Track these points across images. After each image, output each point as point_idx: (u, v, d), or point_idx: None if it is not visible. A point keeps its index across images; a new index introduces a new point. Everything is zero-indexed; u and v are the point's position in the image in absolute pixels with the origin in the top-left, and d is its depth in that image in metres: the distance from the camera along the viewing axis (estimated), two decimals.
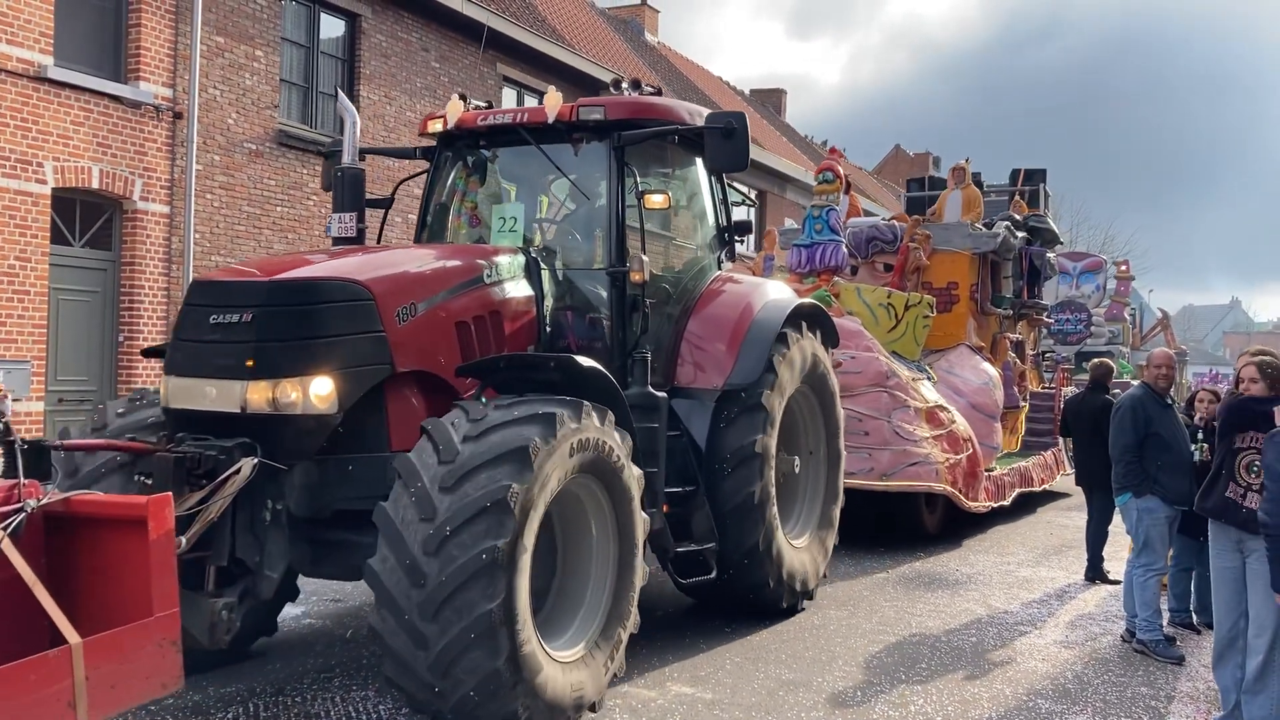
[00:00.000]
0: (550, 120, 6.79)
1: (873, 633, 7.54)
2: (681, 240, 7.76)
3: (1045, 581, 9.75)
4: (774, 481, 7.27)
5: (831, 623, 7.76)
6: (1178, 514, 7.23)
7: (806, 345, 7.72)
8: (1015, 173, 18.27)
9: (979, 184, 18.03)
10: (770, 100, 41.26)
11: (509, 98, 19.17)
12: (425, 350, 5.67)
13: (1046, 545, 11.92)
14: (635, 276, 6.48)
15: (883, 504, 11.04)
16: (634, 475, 5.54)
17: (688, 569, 6.86)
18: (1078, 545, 10.80)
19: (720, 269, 7.77)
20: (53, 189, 12.16)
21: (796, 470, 7.91)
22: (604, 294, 6.78)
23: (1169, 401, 7.64)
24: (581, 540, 5.56)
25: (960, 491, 10.88)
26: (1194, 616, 7.99)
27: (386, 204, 7.47)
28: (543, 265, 6.83)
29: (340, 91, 7.30)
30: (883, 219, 13.89)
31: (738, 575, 7.14)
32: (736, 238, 8.01)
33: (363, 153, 7.30)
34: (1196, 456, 7.30)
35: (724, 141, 6.49)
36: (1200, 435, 7.49)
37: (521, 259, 6.64)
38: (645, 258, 6.50)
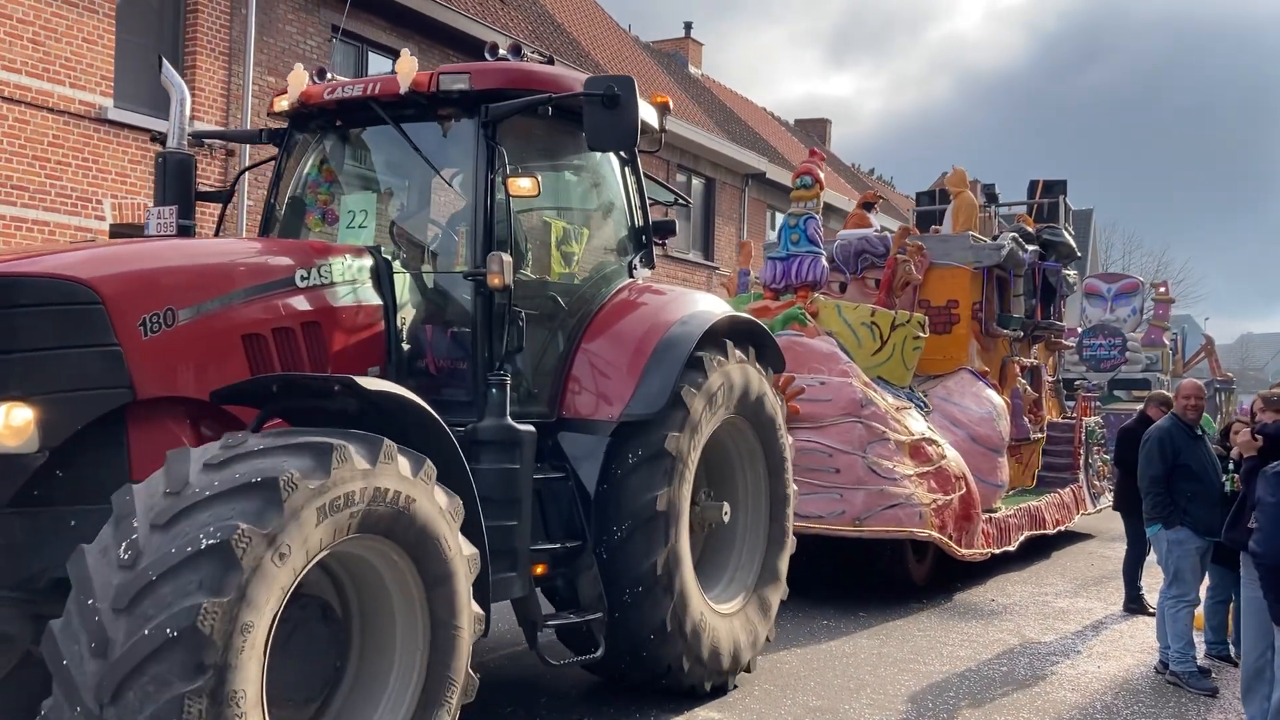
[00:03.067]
0: (403, 91, 5.56)
1: (903, 661, 7.47)
2: (581, 241, 6.49)
3: (1082, 612, 9.56)
4: (686, 542, 5.95)
5: (862, 651, 7.72)
6: (1209, 545, 7.14)
7: (736, 369, 6.38)
8: (1033, 184, 16.82)
9: (993, 197, 16.67)
10: (815, 130, 40.89)
11: None
12: (188, 370, 4.42)
13: (1085, 576, 11.55)
14: (494, 281, 5.21)
15: (862, 552, 9.66)
16: (444, 516, 4.23)
17: (568, 645, 5.55)
18: (1118, 576, 10.48)
19: (633, 276, 6.48)
20: (111, 225, 12.46)
21: (727, 518, 6.57)
22: (470, 303, 5.52)
23: (1199, 432, 7.53)
24: (381, 615, 4.26)
25: (950, 537, 9.46)
26: (1231, 649, 7.73)
27: (224, 198, 6.30)
28: (399, 269, 5.62)
29: (165, 61, 6.07)
30: (875, 231, 12.54)
31: (641, 660, 5.84)
32: (657, 240, 6.73)
33: (196, 136, 6.14)
34: (1228, 487, 7.11)
35: (605, 113, 5.22)
36: (1232, 466, 7.23)
37: (367, 261, 5.41)
38: (506, 257, 5.24)
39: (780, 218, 28.61)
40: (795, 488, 7.28)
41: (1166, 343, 27.25)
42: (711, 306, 6.55)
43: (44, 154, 11.95)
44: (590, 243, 6.49)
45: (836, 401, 9.14)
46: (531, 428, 5.23)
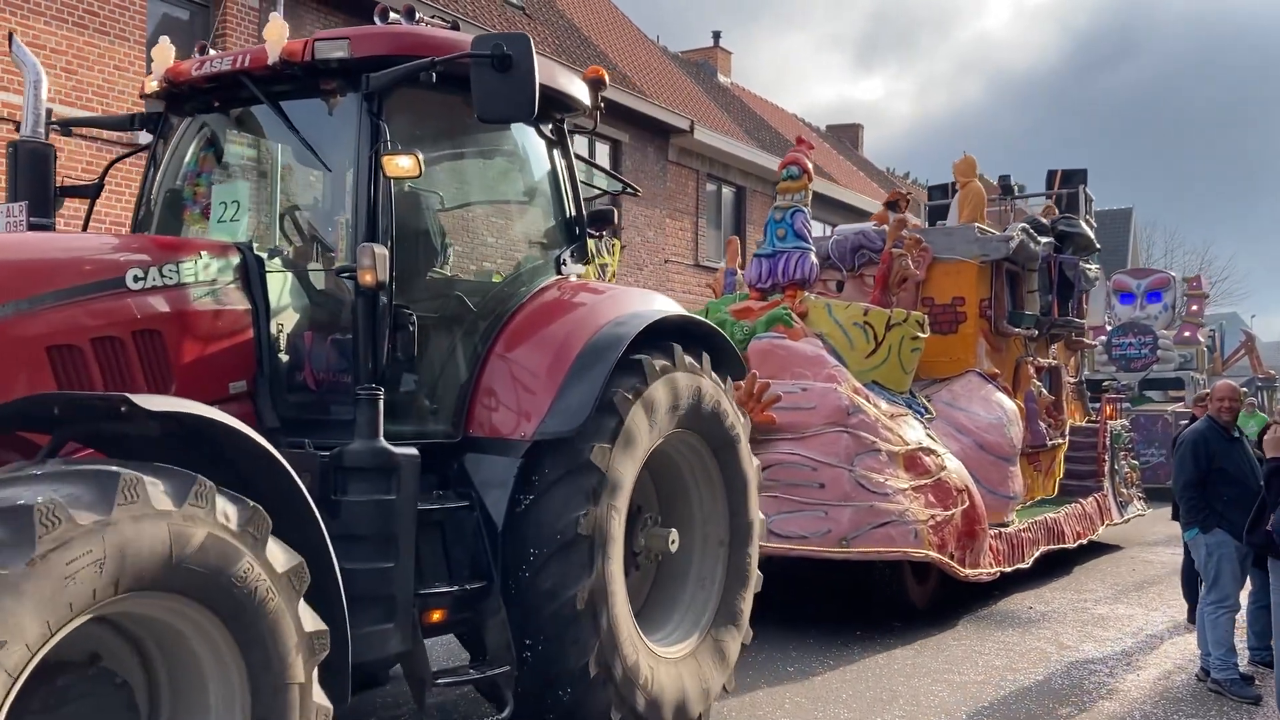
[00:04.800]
0: (272, 61, 4.82)
1: (937, 672, 7.36)
2: (497, 232, 5.72)
3: (1122, 620, 9.36)
4: (618, 573, 5.12)
5: (896, 661, 7.63)
6: (1249, 549, 6.91)
7: (685, 377, 5.54)
8: (1051, 174, 15.90)
9: (1009, 189, 15.78)
10: (847, 135, 40.46)
11: (580, 145, 18.53)
12: None
13: (1127, 582, 11.29)
14: (365, 277, 4.45)
15: (855, 573, 8.79)
16: (280, 580, 3.44)
17: (468, 704, 4.76)
18: (1160, 582, 10.39)
19: (561, 273, 5.68)
20: None
21: (674, 547, 5.74)
22: (351, 306, 4.75)
23: (1235, 435, 7.37)
24: (195, 701, 3.46)
25: (951, 556, 8.58)
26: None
27: (92, 193, 5.58)
28: (276, 268, 4.88)
29: (14, 38, 5.36)
30: (874, 225, 11.69)
31: (559, 713, 4.97)
32: (593, 232, 5.93)
33: (60, 124, 5.42)
34: None
35: (496, 77, 4.44)
36: None
37: (233, 259, 4.66)
38: (379, 249, 4.47)
39: (813, 225, 28.22)
40: (763, 515, 6.44)
41: (1202, 340, 26.09)
42: (657, 305, 5.73)
43: (78, 179, 11.69)
44: (509, 235, 5.71)
45: (820, 409, 8.29)
46: (413, 451, 4.43)
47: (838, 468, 8.12)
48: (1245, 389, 17.39)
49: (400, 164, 4.47)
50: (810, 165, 10.21)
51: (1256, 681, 7.10)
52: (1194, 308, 26.29)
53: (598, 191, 6.67)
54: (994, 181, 17.22)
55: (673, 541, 5.71)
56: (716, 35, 33.16)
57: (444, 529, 4.83)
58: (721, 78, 31.97)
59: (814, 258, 10.01)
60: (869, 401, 8.79)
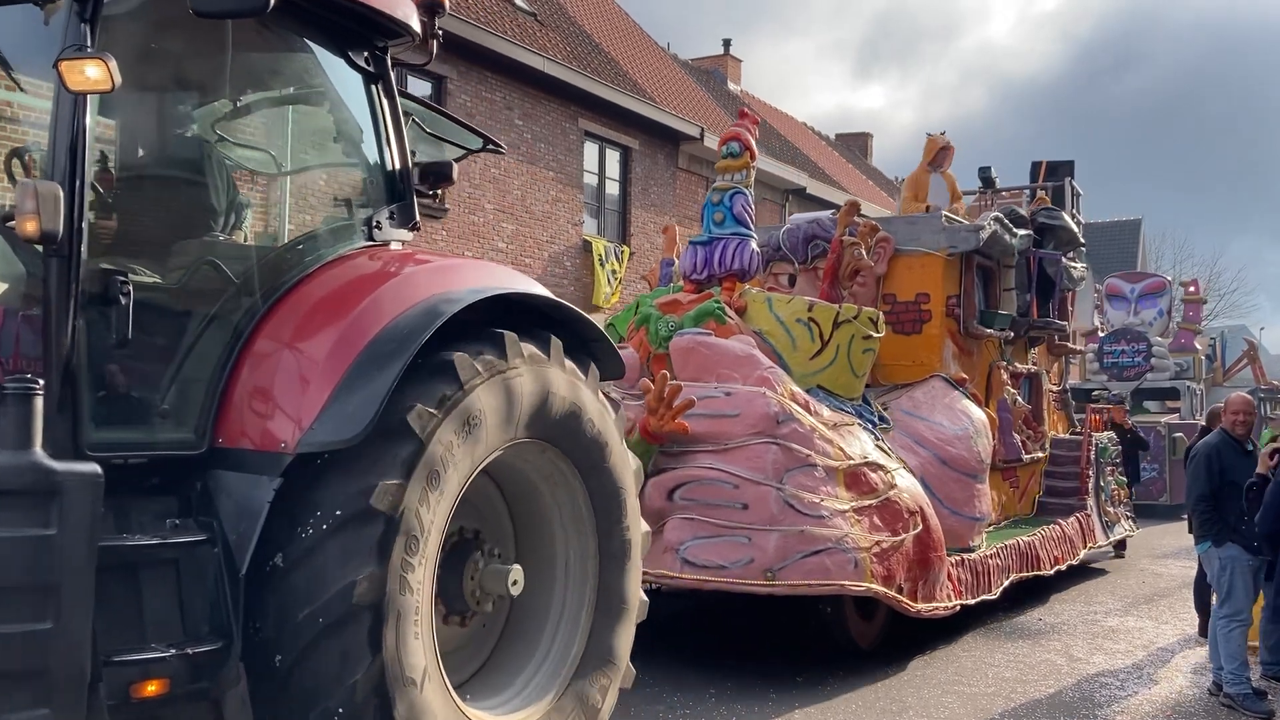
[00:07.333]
0: None
1: (947, 683, 7.28)
2: (293, 186, 4.51)
3: (1132, 632, 9.26)
4: (424, 645, 3.88)
5: (906, 672, 7.54)
6: (1262, 563, 7.03)
7: (528, 374, 4.31)
8: (1035, 166, 14.76)
9: (989, 181, 14.62)
10: (856, 143, 39.81)
11: (591, 151, 19.13)
12: None
13: (1137, 594, 11.17)
14: (26, 226, 3.26)
15: (788, 608, 7.59)
16: None
17: None
18: (1171, 595, 10.29)
19: (374, 239, 4.47)
20: None
21: (515, 589, 4.52)
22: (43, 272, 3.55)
23: (1249, 448, 7.30)
24: None
25: (899, 589, 7.36)
26: None
27: None
28: None
29: None
30: (829, 213, 10.51)
31: None
32: (425, 190, 4.73)
33: None
34: None
35: None
36: None
37: None
38: (48, 188, 3.28)
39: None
40: (645, 529, 5.19)
41: (1198, 347, 24.85)
42: (496, 281, 4.47)
43: None
44: (306, 190, 4.51)
45: (745, 417, 7.07)
46: (89, 468, 3.21)
47: (764, 485, 6.90)
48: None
49: (87, 73, 3.28)
50: (753, 142, 9.01)
51: (1269, 696, 6.99)
52: (1190, 314, 25.10)
53: (463, 151, 5.48)
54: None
55: (514, 582, 4.49)
56: (727, 43, 32.73)
57: (179, 569, 3.63)
58: (731, 85, 31.46)
59: (755, 245, 8.82)
60: (808, 410, 7.58)
